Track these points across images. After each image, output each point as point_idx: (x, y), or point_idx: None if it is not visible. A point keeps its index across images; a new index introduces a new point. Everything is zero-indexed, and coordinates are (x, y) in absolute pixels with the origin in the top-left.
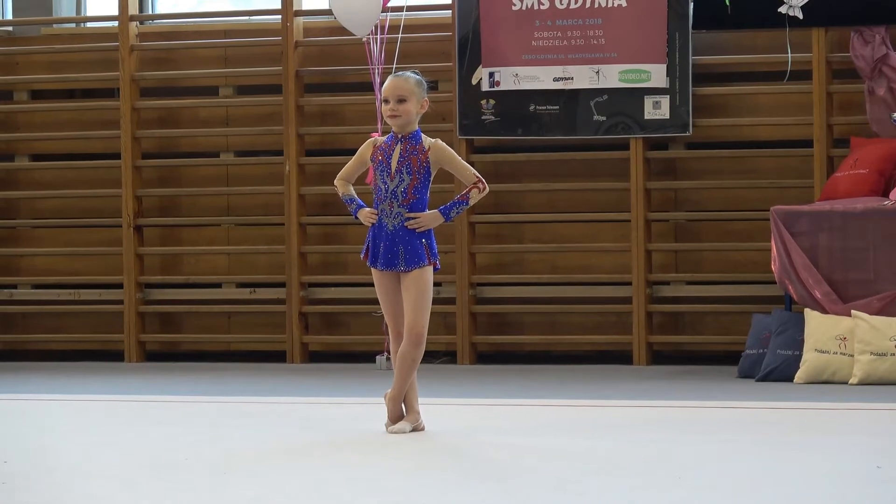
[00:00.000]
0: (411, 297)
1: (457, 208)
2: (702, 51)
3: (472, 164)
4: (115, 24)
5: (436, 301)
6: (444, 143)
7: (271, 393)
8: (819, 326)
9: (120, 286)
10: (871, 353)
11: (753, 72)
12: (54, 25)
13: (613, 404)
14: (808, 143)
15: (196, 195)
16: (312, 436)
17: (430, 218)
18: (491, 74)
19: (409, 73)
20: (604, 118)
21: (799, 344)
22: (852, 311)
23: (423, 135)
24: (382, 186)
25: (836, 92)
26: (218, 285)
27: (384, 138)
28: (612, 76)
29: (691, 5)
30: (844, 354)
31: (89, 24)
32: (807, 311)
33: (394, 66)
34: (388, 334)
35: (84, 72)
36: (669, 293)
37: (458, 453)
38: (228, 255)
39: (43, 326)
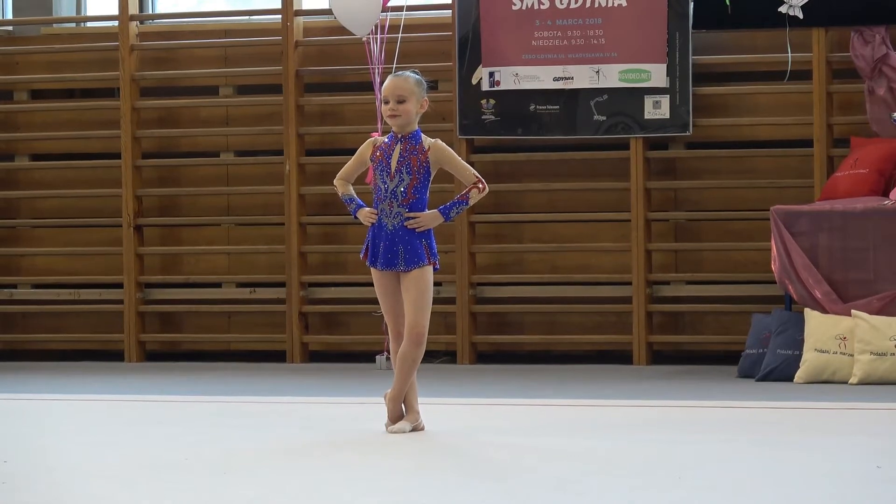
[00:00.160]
0: (411, 297)
1: (456, 208)
2: (702, 50)
3: (472, 163)
4: (115, 23)
5: (436, 301)
6: (443, 143)
7: (271, 393)
8: (819, 326)
9: (120, 286)
10: (871, 353)
11: (753, 72)
12: (54, 25)
13: (613, 404)
14: (808, 143)
15: (196, 195)
16: (312, 436)
17: (429, 218)
18: (491, 74)
19: (408, 73)
20: (604, 118)
21: (799, 344)
22: (852, 311)
23: (422, 135)
24: (382, 186)
25: (836, 92)
26: (218, 285)
27: (384, 138)
28: (612, 76)
29: (691, 5)
30: (844, 354)
31: (89, 24)
32: (807, 310)
33: (394, 65)
34: (388, 334)
35: (84, 71)
36: (669, 293)
37: (458, 453)
38: (228, 254)
39: (43, 326)
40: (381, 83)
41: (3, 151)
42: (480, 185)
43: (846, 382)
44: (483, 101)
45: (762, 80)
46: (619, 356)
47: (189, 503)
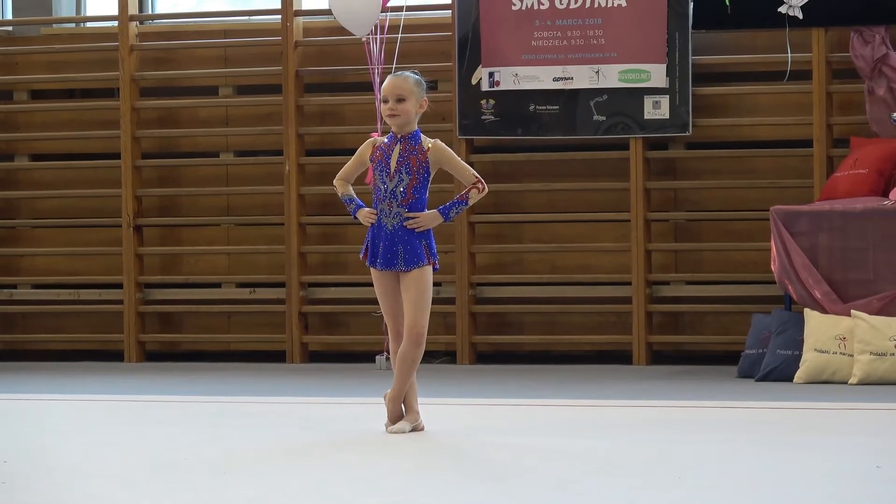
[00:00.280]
0: (411, 297)
1: (456, 208)
2: (702, 51)
3: (471, 164)
4: (115, 23)
5: (435, 301)
6: (443, 144)
7: (271, 393)
8: (819, 326)
9: (120, 286)
10: (871, 353)
11: (753, 72)
12: (54, 25)
13: (613, 404)
14: (807, 143)
15: (196, 195)
16: (312, 436)
17: (429, 218)
18: (491, 74)
19: (408, 73)
20: (603, 118)
21: (799, 344)
22: (852, 311)
23: (422, 135)
24: (382, 186)
25: (835, 92)
26: (218, 285)
27: (384, 138)
28: (611, 76)
29: (691, 5)
30: (844, 354)
31: (89, 24)
32: (806, 311)
33: (393, 65)
34: (387, 334)
35: (84, 72)
36: (669, 293)
37: (457, 453)
38: (228, 254)
39: (43, 326)
40: (381, 83)
41: (3, 151)
42: (480, 186)
43: (846, 382)
44: (483, 102)
45: (762, 80)
46: (619, 356)
47: (189, 503)
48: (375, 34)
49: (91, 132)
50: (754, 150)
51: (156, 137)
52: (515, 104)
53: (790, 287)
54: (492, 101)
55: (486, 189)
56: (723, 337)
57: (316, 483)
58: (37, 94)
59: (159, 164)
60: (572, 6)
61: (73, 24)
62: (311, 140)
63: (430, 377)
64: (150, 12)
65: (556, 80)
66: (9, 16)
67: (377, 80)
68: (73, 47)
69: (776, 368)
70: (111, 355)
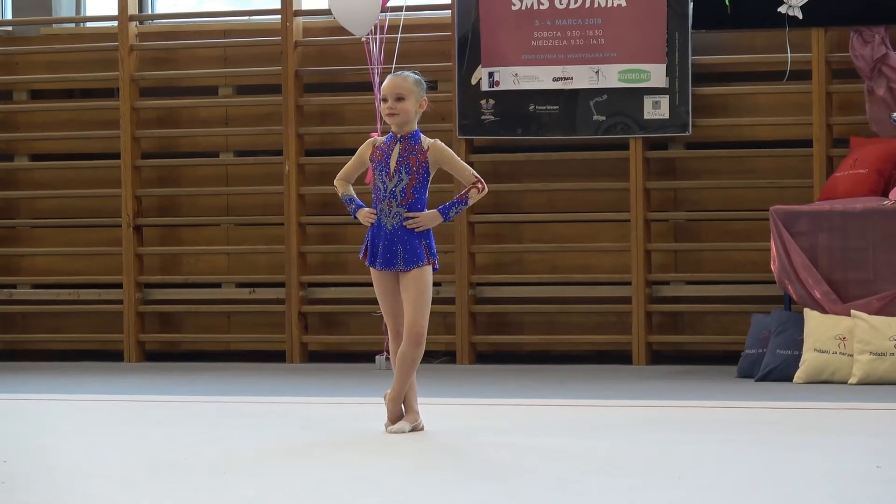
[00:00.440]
0: (411, 297)
1: (456, 208)
2: (701, 51)
3: (471, 164)
4: (115, 23)
5: (435, 301)
6: (443, 144)
7: (271, 393)
8: (818, 326)
9: (119, 286)
10: (871, 353)
11: (753, 72)
12: (54, 25)
13: (613, 404)
14: (807, 143)
15: (195, 195)
16: (312, 436)
17: (428, 218)
18: (490, 74)
19: (408, 73)
20: (603, 118)
21: (798, 344)
22: (852, 311)
23: (422, 135)
24: (381, 186)
25: (835, 92)
26: (217, 285)
27: (383, 138)
28: (611, 76)
29: (691, 5)
30: (844, 354)
31: (89, 24)
32: (806, 310)
33: (393, 65)
34: (387, 334)
35: (84, 72)
36: (669, 293)
37: (457, 453)
38: (228, 254)
39: (43, 326)
40: (381, 83)
41: (3, 151)
42: (480, 186)
43: (846, 382)
44: (482, 102)
45: (762, 80)
46: (618, 356)
47: (189, 503)
48: (375, 34)
49: (91, 132)
50: (754, 150)
51: (156, 137)
52: (515, 104)
53: (790, 287)
54: (491, 101)
55: (486, 189)
56: (723, 337)
57: (316, 483)
58: (37, 94)
59: (159, 164)
60: (572, 6)
61: (73, 24)
62: (310, 140)
63: (430, 377)
64: (149, 12)
65: (555, 80)
66: (9, 16)
67: (377, 80)
68: (72, 47)
69: (776, 368)
70: (111, 355)
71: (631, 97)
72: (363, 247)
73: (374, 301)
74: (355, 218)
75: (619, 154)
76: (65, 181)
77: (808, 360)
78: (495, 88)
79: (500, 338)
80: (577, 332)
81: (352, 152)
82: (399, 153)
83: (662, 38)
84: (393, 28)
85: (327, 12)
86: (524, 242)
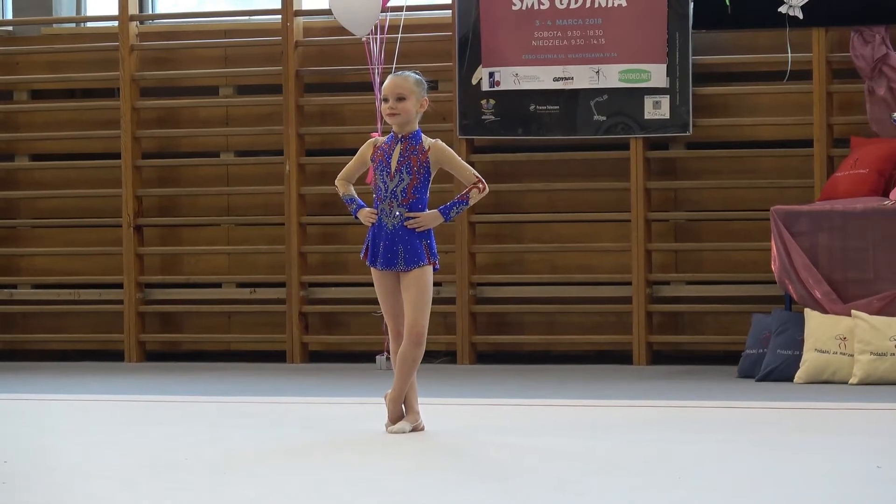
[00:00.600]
0: (411, 297)
1: (456, 208)
2: (702, 51)
3: (472, 163)
4: (115, 23)
5: (436, 301)
6: (443, 144)
7: (271, 393)
8: (819, 326)
9: (120, 286)
10: (871, 353)
11: (753, 72)
12: (54, 25)
13: (613, 404)
14: (808, 143)
15: (196, 195)
16: (312, 436)
17: (429, 218)
18: (491, 74)
19: (409, 73)
20: (604, 118)
21: (799, 344)
22: (852, 311)
23: (423, 135)
24: (382, 186)
25: (836, 92)
26: (218, 285)
27: (384, 138)
28: (612, 76)
29: (691, 5)
30: (844, 354)
31: (89, 24)
32: (807, 310)
33: (393, 65)
34: (387, 334)
35: (84, 72)
36: (669, 293)
37: (458, 453)
38: (228, 254)
39: (43, 326)
40: (381, 83)
41: (3, 151)
42: (480, 186)
43: (846, 382)
44: (483, 101)
45: (762, 80)
46: (619, 356)
47: (189, 503)
48: (375, 34)
49: (91, 132)
50: (754, 150)
51: (156, 137)
52: (516, 104)
53: (790, 287)
54: (492, 101)
55: (487, 189)
56: (723, 337)
57: (316, 483)
58: (37, 94)
59: (159, 164)
60: (572, 6)
61: (73, 24)
62: (311, 140)
63: (431, 377)
64: (150, 12)
65: (556, 80)
66: (9, 16)
67: (377, 80)
68: (73, 47)
69: (776, 368)
70: (111, 355)
71: (631, 97)
72: (364, 247)
73: (374, 301)
74: (356, 218)
75: (619, 154)
76: (65, 181)
77: (809, 360)
78: (496, 88)
79: (501, 338)
80: (578, 332)
81: (352, 152)
82: (400, 153)
83: (663, 38)
84: (393, 28)
85: (328, 12)
86: (524, 242)
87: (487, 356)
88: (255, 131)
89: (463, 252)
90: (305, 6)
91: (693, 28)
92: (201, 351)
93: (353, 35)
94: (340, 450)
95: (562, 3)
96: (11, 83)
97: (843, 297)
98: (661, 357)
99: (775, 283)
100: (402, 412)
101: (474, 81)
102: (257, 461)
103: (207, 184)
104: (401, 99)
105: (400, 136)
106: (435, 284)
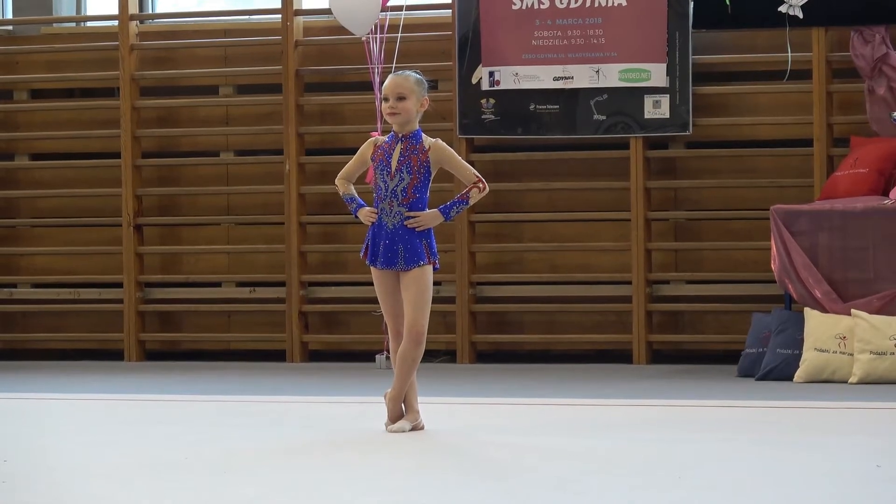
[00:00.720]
0: (411, 297)
1: (457, 208)
2: (702, 50)
3: (472, 163)
4: (115, 23)
5: (435, 300)
6: (444, 143)
7: (271, 392)
8: (819, 325)
9: (120, 285)
10: (871, 353)
11: (753, 71)
12: (54, 25)
13: (613, 404)
14: (808, 143)
15: (196, 194)
16: (312, 435)
17: (429, 217)
18: (491, 74)
19: (409, 72)
20: (604, 117)
21: (799, 343)
22: (852, 311)
23: (423, 134)
24: (382, 185)
25: (836, 91)
26: (218, 284)
27: (385, 138)
28: (611, 75)
29: (691, 4)
30: (844, 353)
31: (89, 24)
32: (806, 310)
33: (393, 65)
34: (387, 333)
35: (84, 71)
36: (669, 292)
37: (458, 452)
38: (228, 254)
39: (43, 326)
40: (381, 83)
41: (3, 151)
42: (481, 185)
43: (846, 382)
44: (483, 101)
45: (762, 80)
46: (618, 355)
47: (189, 503)
48: (375, 34)
49: (91, 131)
50: (754, 150)
51: (156, 137)
52: (516, 103)
53: (790, 286)
54: (492, 101)
55: (487, 188)
56: (723, 336)
57: (316, 482)
58: (37, 94)
59: (159, 164)
60: (572, 5)
61: (73, 24)
62: (311, 139)
63: (430, 376)
64: (150, 12)
65: (556, 79)
66: (9, 15)
67: (377, 79)
68: (73, 47)
69: (776, 368)
70: (111, 355)
71: (631, 96)
72: (364, 246)
73: (374, 300)
74: (356, 217)
75: (619, 153)
76: (65, 181)
77: (809, 359)
78: (496, 88)
79: (501, 337)
80: (578, 332)
81: (352, 152)
82: (400, 153)
83: (663, 38)
84: (393, 27)
85: (327, 12)
86: (524, 242)
87: (487, 355)
88: (254, 131)
89: (463, 251)
90: (305, 6)
91: (693, 27)
92: (201, 350)
93: (353, 34)
94: (340, 449)
95: (562, 3)
96: (11, 83)
97: (843, 297)
98: (660, 356)
99: (775, 282)
100: (401, 411)
101: (474, 81)
102: (257, 460)
103: (207, 183)
104: (401, 98)
105: (400, 135)
106: (435, 284)
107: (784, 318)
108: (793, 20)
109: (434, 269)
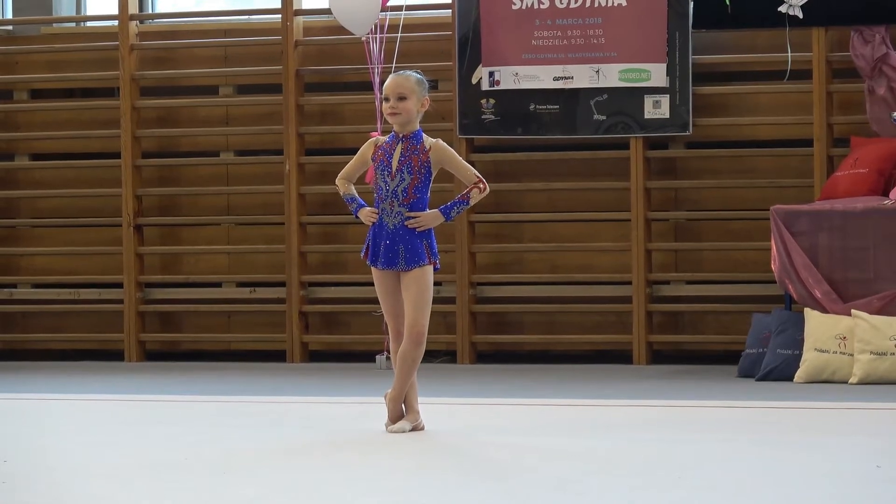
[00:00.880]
0: (411, 297)
1: (457, 208)
2: (702, 50)
3: (472, 163)
4: (115, 23)
5: (436, 300)
6: (444, 143)
7: (271, 392)
8: (819, 326)
9: (120, 286)
10: (871, 353)
11: (753, 71)
12: (54, 25)
13: (613, 404)
14: (807, 143)
15: (196, 194)
16: (312, 435)
17: (430, 217)
18: (491, 74)
19: (410, 72)
20: (604, 117)
21: (799, 343)
22: (852, 311)
23: (424, 134)
24: (383, 185)
25: (836, 91)
26: (218, 285)
27: (385, 138)
28: (611, 75)
29: (691, 4)
30: (844, 354)
31: (89, 24)
32: (807, 310)
33: (393, 65)
34: (388, 334)
35: (84, 71)
36: (669, 293)
37: (458, 453)
38: (228, 254)
39: (43, 326)
40: (381, 83)
41: (3, 151)
42: (481, 185)
43: (846, 382)
44: (483, 101)
45: (762, 80)
46: (618, 356)
47: (189, 503)
48: (375, 33)
49: (91, 132)
50: (754, 150)
51: (156, 137)
52: (516, 103)
53: (790, 286)
54: (492, 101)
55: (488, 189)
56: (723, 336)
57: (316, 483)
58: (37, 94)
59: (159, 164)
60: (572, 5)
61: (73, 24)
62: (311, 139)
63: (431, 377)
64: (150, 12)
65: (556, 79)
66: (9, 15)
67: (377, 79)
68: (73, 47)
69: (776, 368)
70: (111, 355)
71: (631, 97)
72: (364, 246)
73: (374, 301)
74: (357, 217)
75: (619, 153)
76: (65, 181)
77: (809, 359)
78: (496, 88)
79: (501, 337)
80: (577, 332)
81: (352, 152)
82: (401, 153)
83: (663, 38)
84: (393, 27)
85: (327, 12)
86: (524, 242)
87: (487, 356)
88: (254, 131)
89: (463, 252)
90: (305, 6)
91: (693, 27)
92: (201, 350)
93: (353, 34)
94: (340, 449)
95: (562, 3)
96: (11, 83)
97: (843, 297)
98: (661, 357)
99: (775, 282)
100: (402, 412)
101: (474, 81)
102: (257, 461)
103: (207, 183)
104: (402, 98)
105: (401, 135)
106: (435, 284)
107: (784, 318)
108: (793, 20)
109: (435, 269)
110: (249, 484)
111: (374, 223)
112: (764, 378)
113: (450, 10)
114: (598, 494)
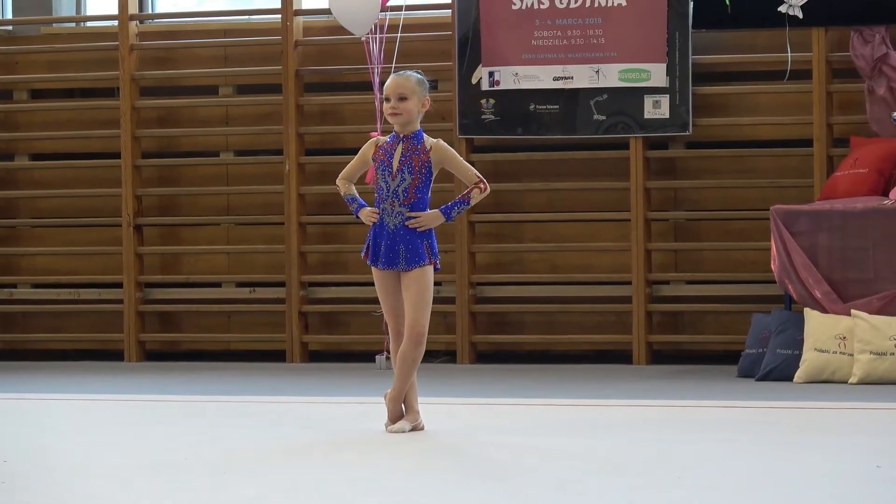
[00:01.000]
0: (412, 297)
1: (458, 208)
2: (702, 50)
3: (471, 163)
4: (115, 23)
5: (436, 300)
6: (445, 144)
7: (271, 392)
8: (819, 326)
9: (120, 286)
10: (871, 353)
11: (753, 71)
12: (54, 25)
13: (613, 404)
14: (807, 143)
15: (196, 194)
16: (312, 436)
17: (430, 217)
18: (491, 74)
19: (410, 72)
20: (604, 117)
21: (798, 343)
22: (852, 311)
23: (424, 135)
24: (384, 186)
25: (835, 91)
26: (218, 285)
27: (386, 138)
28: (611, 75)
29: (691, 4)
30: (844, 354)
31: (89, 24)
32: (806, 310)
33: (393, 65)
34: (388, 334)
35: (84, 71)
36: (669, 293)
37: (458, 453)
38: (228, 254)
39: (43, 326)
40: (381, 83)
41: (3, 151)
42: (482, 186)
43: (846, 382)
44: (483, 101)
45: (762, 80)
46: (618, 356)
47: (189, 503)
48: (375, 34)
49: (91, 132)
50: (754, 150)
51: (156, 137)
52: (515, 103)
53: (790, 286)
54: (492, 101)
55: (488, 189)
56: (723, 336)
57: (316, 483)
58: (37, 94)
59: (159, 164)
60: (572, 5)
61: (73, 24)
62: (311, 139)
63: (431, 377)
64: (150, 12)
65: (556, 79)
66: (9, 15)
67: (377, 79)
68: (73, 47)
69: (776, 368)
70: (111, 355)
71: (631, 97)
72: (365, 246)
73: (374, 300)
74: (358, 217)
75: (619, 153)
76: (65, 181)
77: (809, 359)
78: (496, 88)
79: (501, 337)
80: (577, 332)
81: (352, 152)
82: (402, 153)
83: (663, 38)
84: (393, 27)
85: (327, 12)
86: (524, 242)
87: (487, 356)
88: (254, 131)
89: (463, 252)
90: (305, 6)
91: (693, 27)
92: (201, 350)
93: (353, 34)
94: (340, 449)
95: (562, 3)
96: (11, 83)
97: (843, 297)
98: (660, 357)
99: (775, 282)
100: (401, 412)
101: (474, 81)
102: (257, 461)
103: (207, 183)
104: (403, 99)
105: (402, 135)
106: (435, 284)
107: (784, 318)
108: (793, 20)
109: (435, 269)
110: (249, 484)
111: (374, 223)
112: (764, 378)
113: (450, 10)
114: (598, 494)
